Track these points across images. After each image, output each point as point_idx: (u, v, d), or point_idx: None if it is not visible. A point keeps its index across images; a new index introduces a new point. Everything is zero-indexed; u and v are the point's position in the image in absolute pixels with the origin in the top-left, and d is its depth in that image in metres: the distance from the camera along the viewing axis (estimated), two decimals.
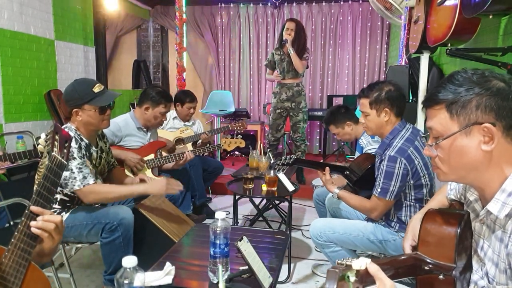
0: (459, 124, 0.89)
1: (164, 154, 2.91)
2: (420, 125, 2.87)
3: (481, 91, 0.86)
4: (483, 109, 0.86)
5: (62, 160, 1.16)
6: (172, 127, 3.61)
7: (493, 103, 0.85)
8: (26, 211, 1.05)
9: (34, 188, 1.97)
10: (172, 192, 2.03)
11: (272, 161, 2.57)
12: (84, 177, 1.89)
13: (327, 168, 2.09)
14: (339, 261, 0.76)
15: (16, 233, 1.02)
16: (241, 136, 3.07)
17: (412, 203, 1.85)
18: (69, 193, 1.96)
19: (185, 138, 3.52)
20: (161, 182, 2.04)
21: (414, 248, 1.12)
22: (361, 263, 0.76)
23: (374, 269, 0.77)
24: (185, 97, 3.59)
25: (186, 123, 3.67)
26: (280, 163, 2.09)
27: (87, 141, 2.00)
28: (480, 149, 0.87)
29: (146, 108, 2.75)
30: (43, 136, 1.23)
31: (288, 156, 2.10)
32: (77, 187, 1.88)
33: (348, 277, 0.72)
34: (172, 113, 3.64)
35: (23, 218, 1.03)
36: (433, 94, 0.94)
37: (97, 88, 1.97)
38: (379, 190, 1.82)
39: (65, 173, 1.86)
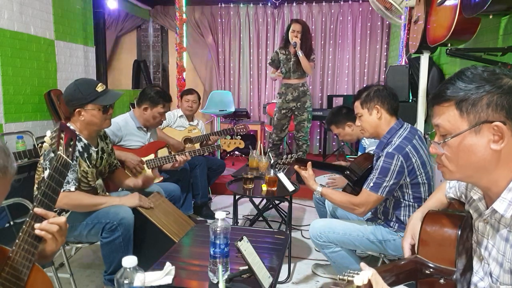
0: (468, 122, 0.86)
1: (173, 152, 2.93)
2: (420, 125, 2.87)
3: (492, 89, 0.84)
4: (494, 108, 0.84)
5: (68, 159, 1.16)
6: (179, 125, 3.66)
7: (505, 101, 0.83)
8: (31, 211, 1.04)
9: (35, 188, 1.97)
10: (145, 207, 2.03)
11: (273, 160, 2.57)
12: (67, 182, 1.86)
13: (309, 163, 2.06)
14: (340, 277, 0.75)
15: (20, 233, 1.01)
16: (240, 137, 3.10)
17: (411, 203, 1.85)
18: None
19: (193, 137, 3.57)
20: (134, 196, 2.04)
21: (413, 248, 1.11)
22: (363, 278, 0.74)
23: (372, 275, 0.77)
24: (184, 91, 3.78)
25: (191, 122, 3.71)
26: (281, 162, 2.08)
27: (86, 142, 2.00)
28: (489, 148, 0.85)
29: (145, 108, 2.75)
30: (48, 133, 1.23)
31: (289, 155, 2.09)
32: None
33: None
34: (178, 112, 3.71)
35: (27, 219, 1.03)
36: (442, 91, 0.91)
37: (100, 88, 1.97)
38: (371, 184, 1.81)
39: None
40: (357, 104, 1.96)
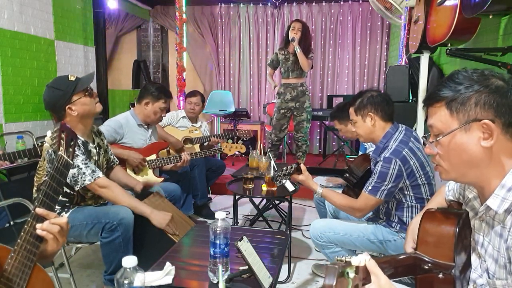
0: (458, 121, 0.90)
1: (171, 152, 2.93)
2: (420, 125, 2.88)
3: (480, 88, 0.88)
4: (482, 106, 0.87)
5: (68, 159, 1.16)
6: (181, 125, 3.67)
7: (492, 100, 0.87)
8: (32, 211, 1.04)
9: (34, 190, 1.97)
10: (167, 231, 1.97)
11: (273, 171, 2.55)
12: (93, 171, 1.90)
13: (303, 166, 2.05)
14: (338, 258, 0.76)
15: (22, 233, 1.01)
16: (242, 141, 3.11)
17: (413, 204, 1.85)
18: (69, 193, 1.96)
19: (194, 138, 3.57)
20: (165, 216, 1.99)
21: (414, 248, 1.12)
22: (360, 259, 0.76)
23: (371, 265, 0.78)
24: (188, 93, 3.79)
25: (194, 124, 3.71)
26: (282, 174, 2.07)
27: (83, 139, 1.99)
28: (479, 145, 0.88)
29: (146, 103, 2.75)
30: (49, 134, 1.23)
31: (289, 166, 2.08)
32: (88, 181, 1.88)
33: (347, 273, 0.72)
34: (181, 112, 3.71)
35: (29, 219, 1.03)
36: (434, 92, 0.95)
37: (72, 77, 1.95)
38: (370, 188, 1.82)
39: (73, 171, 1.86)
40: (351, 110, 1.99)
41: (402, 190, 1.84)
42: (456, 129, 0.90)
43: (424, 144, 0.99)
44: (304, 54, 3.89)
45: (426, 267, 0.93)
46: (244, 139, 3.46)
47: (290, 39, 3.91)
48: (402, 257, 0.96)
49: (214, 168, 3.63)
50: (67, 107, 1.91)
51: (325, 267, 0.70)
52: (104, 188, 1.93)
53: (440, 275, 0.91)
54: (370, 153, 2.36)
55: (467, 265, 0.99)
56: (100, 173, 1.93)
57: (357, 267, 0.74)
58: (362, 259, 0.76)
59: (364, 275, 0.77)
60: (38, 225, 1.03)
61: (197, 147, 3.56)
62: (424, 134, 2.81)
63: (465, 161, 0.91)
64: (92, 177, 1.89)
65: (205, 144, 3.64)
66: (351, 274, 0.72)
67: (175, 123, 3.65)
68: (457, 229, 0.93)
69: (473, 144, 0.89)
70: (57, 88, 1.91)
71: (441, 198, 1.24)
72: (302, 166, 2.04)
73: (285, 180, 2.12)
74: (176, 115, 3.67)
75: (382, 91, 1.96)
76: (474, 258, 1.00)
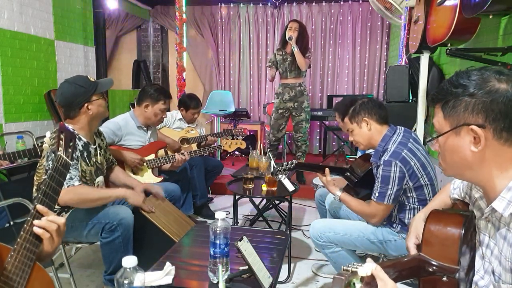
0: (449, 124, 0.91)
1: (169, 153, 2.93)
2: (420, 125, 2.88)
3: (474, 91, 0.86)
4: (470, 111, 0.87)
5: (67, 159, 1.17)
6: (178, 127, 3.66)
7: (481, 105, 0.85)
8: (32, 210, 1.04)
9: (34, 190, 1.97)
10: (145, 210, 2.05)
11: (273, 168, 2.56)
12: (70, 178, 1.85)
13: (327, 170, 2.08)
14: (344, 267, 0.75)
15: (22, 232, 1.01)
16: (241, 137, 3.11)
17: (415, 206, 1.85)
18: None
19: (190, 138, 3.57)
20: (140, 195, 2.06)
21: (418, 248, 1.12)
22: (367, 270, 0.75)
23: (377, 270, 0.78)
24: (190, 102, 3.64)
25: (190, 124, 3.71)
26: (282, 168, 2.08)
27: (85, 140, 2.00)
28: (469, 149, 0.89)
29: (146, 106, 2.75)
30: (48, 134, 1.24)
31: (289, 162, 2.09)
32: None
33: (354, 283, 0.71)
34: (177, 114, 3.68)
35: (29, 218, 1.03)
36: (433, 94, 0.96)
37: (92, 78, 2.02)
38: (377, 194, 1.83)
39: None
40: (346, 120, 2.01)
41: (405, 192, 1.84)
42: (447, 132, 0.91)
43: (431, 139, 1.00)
44: (301, 53, 3.90)
45: (430, 269, 0.92)
46: (241, 137, 3.45)
47: (287, 38, 3.92)
48: (406, 259, 0.95)
49: (210, 168, 3.59)
50: (85, 104, 1.95)
51: (333, 278, 0.70)
52: (67, 194, 1.81)
53: (444, 278, 0.91)
54: (371, 152, 2.37)
55: (471, 267, 0.99)
56: (76, 182, 1.86)
57: (362, 277, 0.74)
58: (369, 269, 0.76)
59: (369, 279, 0.76)
60: (36, 221, 1.02)
61: (194, 147, 3.55)
62: (424, 134, 2.81)
63: (458, 162, 0.92)
64: (67, 184, 1.81)
65: (202, 143, 3.64)
66: (358, 285, 0.72)
67: (171, 124, 3.63)
68: (463, 232, 0.92)
69: (464, 148, 0.89)
70: (80, 84, 1.95)
71: (446, 196, 1.24)
72: (326, 170, 2.07)
73: (282, 175, 2.13)
74: (171, 116, 3.65)
75: (373, 97, 1.99)
76: (477, 259, 1.00)
